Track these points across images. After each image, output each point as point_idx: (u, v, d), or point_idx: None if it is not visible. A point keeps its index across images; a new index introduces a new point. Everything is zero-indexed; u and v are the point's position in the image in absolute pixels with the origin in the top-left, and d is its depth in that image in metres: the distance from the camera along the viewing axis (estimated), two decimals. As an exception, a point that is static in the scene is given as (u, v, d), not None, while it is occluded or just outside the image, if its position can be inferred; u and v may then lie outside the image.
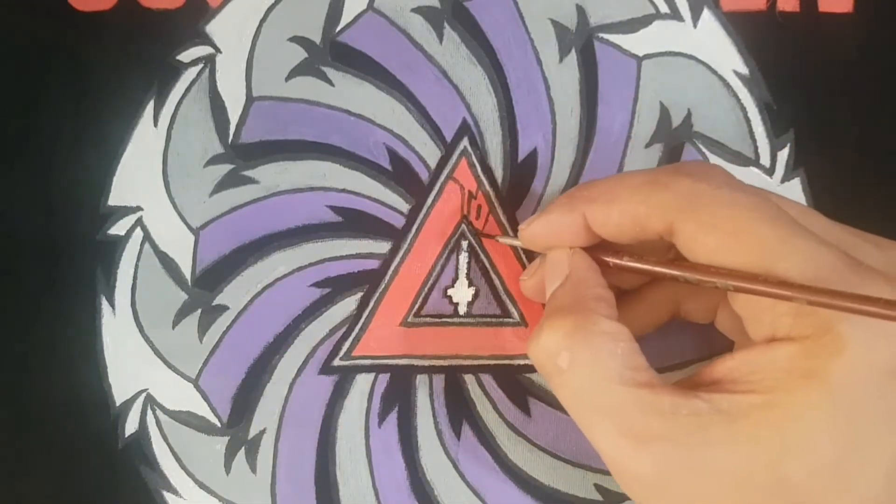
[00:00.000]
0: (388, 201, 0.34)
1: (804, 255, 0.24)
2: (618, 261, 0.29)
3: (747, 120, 0.35)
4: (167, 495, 0.34)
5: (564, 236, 0.29)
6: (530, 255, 0.34)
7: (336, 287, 0.34)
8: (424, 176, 0.35)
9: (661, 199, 0.27)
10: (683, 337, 0.33)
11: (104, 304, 0.34)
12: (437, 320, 0.34)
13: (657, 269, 0.28)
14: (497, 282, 0.34)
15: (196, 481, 0.34)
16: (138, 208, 0.34)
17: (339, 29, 0.35)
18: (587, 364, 0.26)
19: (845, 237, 0.27)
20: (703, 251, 0.26)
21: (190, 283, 0.34)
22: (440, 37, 0.35)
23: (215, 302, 0.34)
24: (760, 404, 0.24)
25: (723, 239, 0.25)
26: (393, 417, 0.34)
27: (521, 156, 0.35)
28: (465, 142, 0.34)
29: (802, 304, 0.24)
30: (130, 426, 0.34)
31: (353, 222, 0.34)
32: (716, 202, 0.26)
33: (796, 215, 0.26)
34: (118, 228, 0.34)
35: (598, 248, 0.29)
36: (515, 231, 0.34)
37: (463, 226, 0.34)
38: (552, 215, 0.29)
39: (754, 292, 0.25)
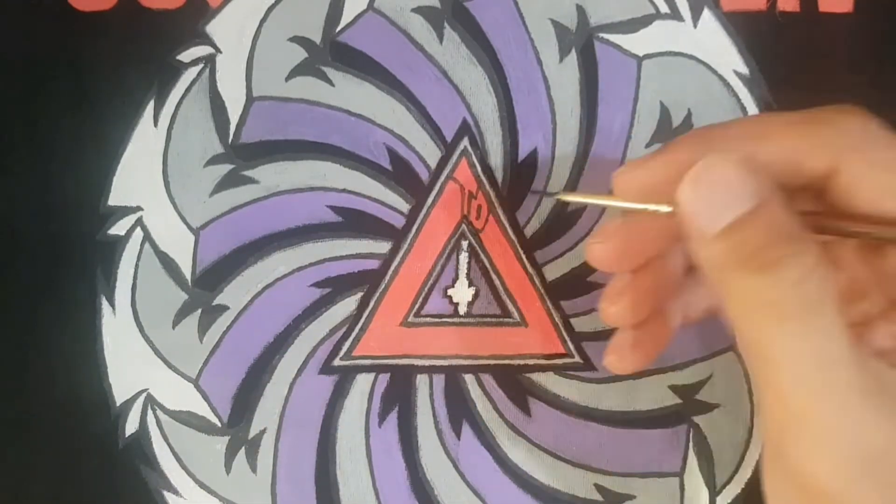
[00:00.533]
0: (388, 201, 0.34)
1: None
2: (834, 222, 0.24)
3: (747, 120, 0.35)
4: (167, 495, 0.34)
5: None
6: (531, 255, 0.34)
7: (336, 287, 0.34)
8: (424, 176, 0.35)
9: (827, 135, 0.24)
10: (683, 337, 0.33)
11: (104, 304, 0.34)
12: (437, 320, 0.34)
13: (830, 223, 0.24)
14: (497, 282, 0.34)
15: (196, 481, 0.34)
16: (138, 208, 0.34)
17: (339, 29, 0.35)
18: (826, 310, 0.21)
19: None
20: (869, 193, 0.23)
21: (190, 283, 0.34)
22: (440, 37, 0.35)
23: (215, 302, 0.34)
24: None
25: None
26: (393, 417, 0.34)
27: (522, 156, 0.35)
28: (465, 142, 0.34)
29: None
30: (131, 426, 0.34)
31: (354, 222, 0.34)
32: (890, 142, 0.24)
33: None
34: (118, 228, 0.34)
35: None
36: (514, 230, 0.34)
37: (463, 226, 0.34)
38: (676, 154, 0.25)
39: None
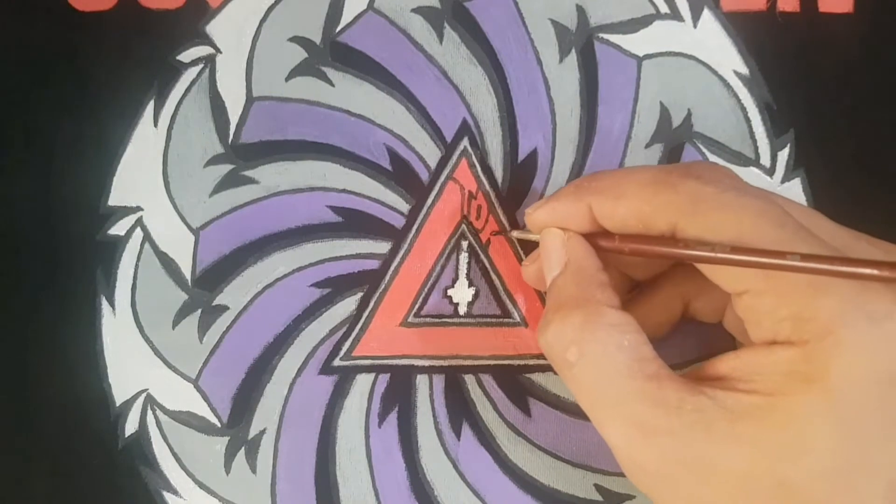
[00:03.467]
0: (388, 201, 0.34)
1: None
2: (609, 243, 0.29)
3: (747, 120, 0.35)
4: (167, 495, 0.34)
5: (570, 224, 0.29)
6: (528, 250, 0.34)
7: (336, 287, 0.34)
8: (424, 176, 0.35)
9: (667, 200, 0.26)
10: (684, 336, 0.33)
11: (104, 304, 0.34)
12: (437, 320, 0.34)
13: (650, 248, 0.27)
14: (497, 282, 0.34)
15: (196, 481, 0.34)
16: (138, 208, 0.34)
17: (339, 29, 0.35)
18: (595, 358, 0.26)
19: (849, 242, 0.27)
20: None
21: (190, 284, 0.34)
22: (440, 37, 0.35)
23: (215, 302, 0.34)
24: (762, 405, 0.24)
25: (725, 244, 0.25)
26: (393, 417, 0.34)
27: (522, 156, 0.35)
28: (465, 142, 0.35)
29: (793, 268, 0.24)
30: (130, 426, 0.34)
31: (354, 222, 0.34)
32: (721, 206, 0.26)
33: (801, 218, 0.26)
34: (118, 228, 0.34)
35: (594, 233, 0.29)
36: (514, 227, 0.34)
37: (463, 226, 0.34)
38: (559, 203, 0.29)
39: (744, 264, 0.25)
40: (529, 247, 0.34)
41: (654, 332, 0.31)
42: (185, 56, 0.34)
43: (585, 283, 0.28)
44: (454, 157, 0.35)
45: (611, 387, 0.26)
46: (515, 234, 0.33)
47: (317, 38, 0.35)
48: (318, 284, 0.34)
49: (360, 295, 0.34)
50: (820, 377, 0.24)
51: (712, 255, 0.25)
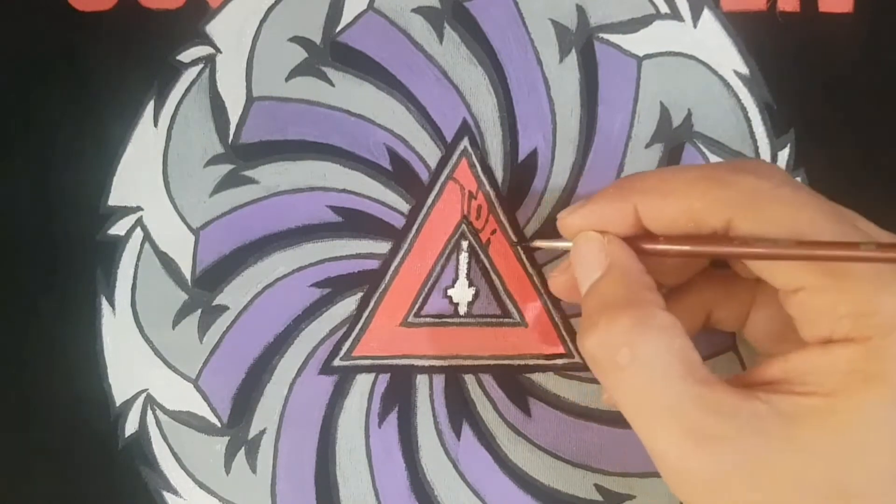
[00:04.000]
0: (388, 201, 0.34)
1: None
2: (654, 245, 0.27)
3: (747, 120, 0.35)
4: (167, 495, 0.34)
5: (611, 227, 0.28)
6: (531, 258, 0.34)
7: (336, 287, 0.34)
8: (424, 176, 0.35)
9: (721, 195, 0.26)
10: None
11: (104, 304, 0.34)
12: (437, 320, 0.34)
13: (696, 248, 0.26)
14: (497, 282, 0.34)
15: (196, 481, 0.34)
16: (138, 208, 0.34)
17: (339, 29, 0.35)
18: (648, 361, 0.25)
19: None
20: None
21: (190, 283, 0.34)
22: (440, 37, 0.35)
23: (215, 302, 0.34)
24: (821, 408, 0.23)
25: (784, 238, 0.25)
26: (393, 417, 0.34)
27: (522, 156, 0.35)
28: (465, 142, 0.34)
29: (867, 258, 0.23)
30: (130, 426, 0.34)
31: (354, 222, 0.34)
32: (778, 201, 0.25)
33: (850, 218, 0.26)
34: (118, 228, 0.34)
35: (633, 237, 0.28)
36: (517, 231, 0.34)
37: (463, 226, 0.34)
38: (600, 205, 0.28)
39: (814, 257, 0.24)
40: (533, 258, 0.34)
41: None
42: (185, 56, 0.34)
43: (633, 284, 0.27)
44: (454, 157, 0.35)
45: (664, 391, 0.25)
46: (539, 243, 0.32)
47: (317, 38, 0.35)
48: (318, 284, 0.34)
49: (360, 295, 0.34)
50: (883, 375, 0.23)
51: (777, 251, 0.24)
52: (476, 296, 0.34)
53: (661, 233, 0.27)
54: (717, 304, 0.30)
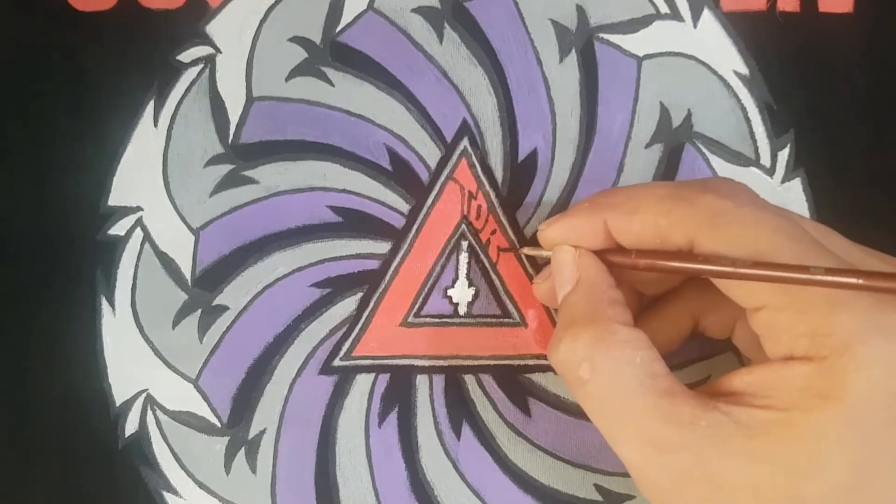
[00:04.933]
0: (388, 201, 0.34)
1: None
2: (623, 259, 0.29)
3: (747, 120, 0.35)
4: (167, 495, 0.34)
5: (584, 240, 0.29)
6: (531, 259, 0.34)
7: (336, 287, 0.34)
8: (424, 176, 0.35)
9: (684, 214, 0.27)
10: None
11: (104, 304, 0.34)
12: (437, 320, 0.34)
13: (668, 263, 0.27)
14: (497, 282, 0.34)
15: (196, 481, 0.34)
16: (138, 208, 0.34)
17: (339, 29, 0.35)
18: (607, 375, 0.26)
19: (862, 258, 0.27)
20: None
21: (190, 284, 0.34)
22: (440, 37, 0.35)
23: (215, 302, 0.34)
24: (778, 421, 0.24)
25: (742, 259, 0.25)
26: (393, 417, 0.34)
27: (521, 156, 0.35)
28: (465, 142, 0.35)
29: (816, 282, 0.24)
30: (130, 426, 0.34)
31: (353, 222, 0.34)
32: (738, 221, 0.26)
33: (814, 234, 0.26)
34: (118, 228, 0.34)
35: (606, 250, 0.29)
36: (514, 230, 0.34)
37: (463, 226, 0.34)
38: (574, 219, 0.29)
39: (766, 279, 0.25)
40: (534, 260, 0.34)
41: (664, 348, 0.31)
42: (185, 56, 0.34)
43: (597, 300, 0.28)
44: (454, 157, 0.35)
45: (623, 403, 0.26)
46: (526, 250, 0.33)
47: (317, 38, 0.35)
48: (318, 284, 0.34)
49: (360, 295, 0.34)
50: (836, 393, 0.23)
51: (733, 269, 0.25)
52: (476, 296, 0.34)
53: (631, 247, 0.28)
54: (703, 312, 0.31)
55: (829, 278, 0.23)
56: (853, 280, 0.23)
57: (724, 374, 0.27)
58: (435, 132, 0.35)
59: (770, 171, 0.35)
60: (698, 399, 0.25)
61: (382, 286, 0.34)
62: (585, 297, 0.28)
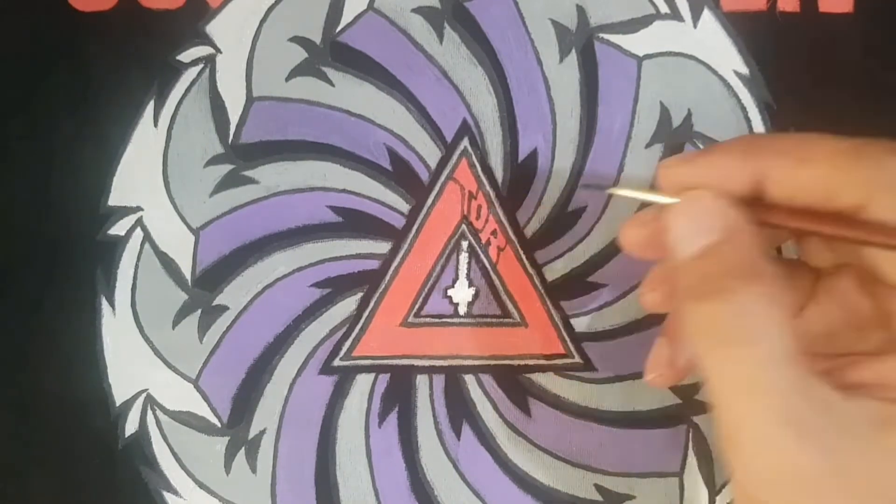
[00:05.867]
0: (388, 201, 0.34)
1: None
2: (770, 217, 0.25)
3: (747, 120, 0.35)
4: (167, 495, 0.34)
5: (729, 186, 0.25)
6: (531, 258, 0.34)
7: (336, 287, 0.34)
8: (424, 176, 0.35)
9: (866, 174, 0.24)
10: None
11: (104, 304, 0.34)
12: (437, 320, 0.34)
13: (836, 230, 0.24)
14: (497, 282, 0.34)
15: (196, 481, 0.34)
16: (138, 208, 0.34)
17: (339, 29, 0.35)
18: (768, 339, 0.22)
19: None
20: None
21: (190, 284, 0.34)
22: (440, 37, 0.35)
23: (215, 302, 0.34)
24: None
25: None
26: (393, 417, 0.34)
27: (522, 156, 0.35)
28: (465, 142, 0.34)
29: None
30: (130, 426, 0.34)
31: (354, 222, 0.34)
32: None
33: None
34: (118, 228, 0.34)
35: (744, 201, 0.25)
36: (514, 230, 0.34)
37: (463, 226, 0.34)
38: (721, 158, 0.25)
39: None
40: (532, 246, 0.34)
41: None
42: (185, 56, 0.34)
43: (758, 254, 0.24)
44: (454, 157, 0.35)
45: (774, 375, 0.22)
46: (627, 192, 0.28)
47: (317, 38, 0.35)
48: (318, 284, 0.34)
49: (360, 295, 0.34)
50: None
51: None
52: (476, 296, 0.34)
53: (783, 202, 0.25)
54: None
55: None
56: None
57: (839, 364, 0.25)
58: (435, 132, 0.35)
59: (770, 171, 0.35)
60: (832, 385, 0.23)
61: (382, 286, 0.34)
62: (746, 248, 0.24)
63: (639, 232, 0.27)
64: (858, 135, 0.35)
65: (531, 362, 0.34)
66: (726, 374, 0.23)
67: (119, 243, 0.34)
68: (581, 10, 0.35)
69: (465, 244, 0.34)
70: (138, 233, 0.34)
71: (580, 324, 0.34)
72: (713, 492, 0.34)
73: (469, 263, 0.34)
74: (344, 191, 0.34)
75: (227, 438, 0.34)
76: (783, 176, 0.25)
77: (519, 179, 0.35)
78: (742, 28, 0.35)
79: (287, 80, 0.34)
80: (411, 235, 0.34)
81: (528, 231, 0.34)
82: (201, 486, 0.34)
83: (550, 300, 0.34)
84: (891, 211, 0.23)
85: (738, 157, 0.25)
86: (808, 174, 0.24)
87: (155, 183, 0.34)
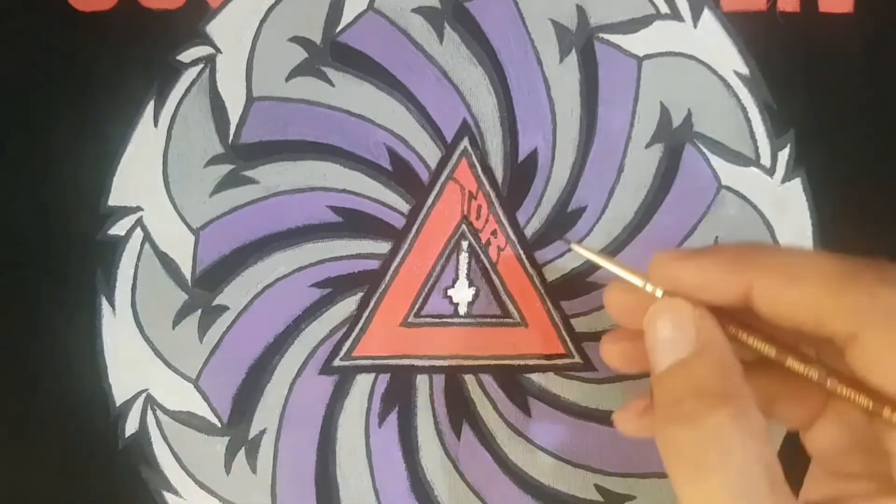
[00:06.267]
0: (388, 201, 0.34)
1: None
2: (749, 337, 0.24)
3: (748, 120, 0.35)
4: (167, 495, 0.34)
5: (713, 296, 0.24)
6: (531, 258, 0.34)
7: (336, 287, 0.34)
8: (424, 176, 0.35)
9: (857, 304, 0.22)
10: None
11: (104, 304, 0.34)
12: (437, 320, 0.34)
13: (801, 365, 0.24)
14: (497, 282, 0.34)
15: (196, 481, 0.34)
16: (138, 208, 0.34)
17: (339, 29, 0.35)
18: (740, 469, 0.22)
19: None
20: (882, 374, 0.22)
21: (190, 284, 0.34)
22: (440, 37, 0.35)
23: (215, 302, 0.34)
24: None
25: None
26: (393, 417, 0.34)
27: (522, 156, 0.35)
28: (465, 142, 0.34)
29: None
30: (130, 426, 0.34)
31: (354, 222, 0.34)
32: None
33: None
34: (118, 228, 0.34)
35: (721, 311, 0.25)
36: (514, 230, 0.34)
37: (463, 226, 0.34)
38: (709, 267, 0.25)
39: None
40: (532, 246, 0.34)
41: None
42: (185, 56, 0.34)
43: (730, 372, 0.23)
44: (454, 157, 0.35)
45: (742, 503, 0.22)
46: (614, 267, 0.27)
47: (317, 38, 0.35)
48: (318, 284, 0.34)
49: (360, 295, 0.34)
50: None
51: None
52: (476, 296, 0.34)
53: (768, 319, 0.24)
54: (780, 397, 0.26)
55: None
56: None
57: (830, 497, 0.25)
58: (435, 132, 0.35)
59: (770, 171, 0.35)
60: None
61: (382, 286, 0.34)
62: (715, 366, 0.24)
63: (619, 345, 0.28)
64: (858, 134, 0.35)
65: (531, 362, 0.34)
66: (692, 498, 0.23)
67: (119, 243, 0.34)
68: (581, 10, 0.35)
69: (465, 244, 0.34)
70: (138, 233, 0.34)
71: (580, 324, 0.34)
72: (713, 492, 0.34)
73: (469, 263, 0.34)
74: (344, 191, 0.34)
75: (227, 438, 0.34)
76: (771, 293, 0.24)
77: (519, 179, 0.35)
78: (742, 28, 0.35)
79: (287, 80, 0.34)
80: (411, 235, 0.34)
81: (528, 231, 0.34)
82: (201, 486, 0.34)
83: (550, 300, 0.34)
84: (880, 346, 0.22)
85: (728, 267, 0.24)
86: (797, 295, 0.23)
87: (155, 183, 0.34)
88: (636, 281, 0.26)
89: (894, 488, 0.23)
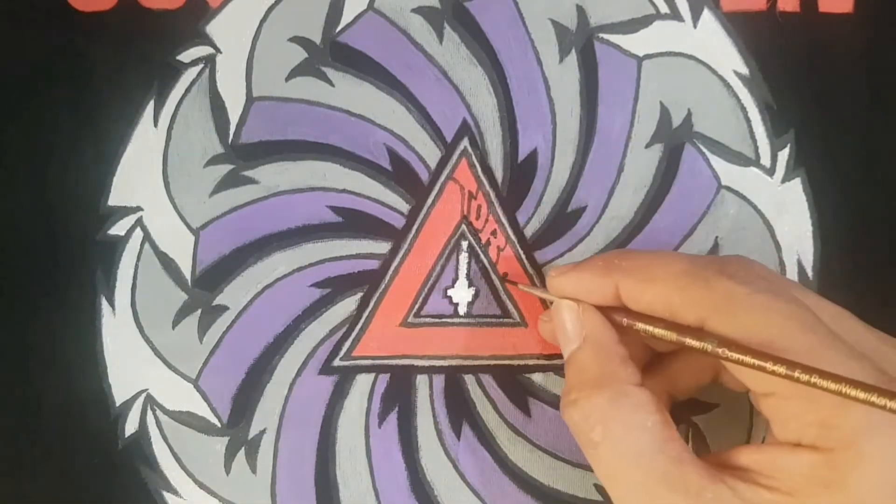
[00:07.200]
0: (388, 201, 0.34)
1: (832, 369, 0.24)
2: (631, 322, 0.29)
3: (747, 120, 0.35)
4: (167, 495, 0.34)
5: (592, 297, 0.29)
6: (530, 255, 0.34)
7: (336, 287, 0.34)
8: (424, 176, 0.35)
9: (699, 295, 0.27)
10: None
11: (104, 304, 0.34)
12: (437, 320, 0.34)
13: (668, 334, 0.27)
14: (497, 282, 0.34)
15: (196, 481, 0.34)
16: (138, 208, 0.34)
17: (339, 29, 0.35)
18: (619, 439, 0.27)
19: (879, 346, 0.28)
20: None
21: (190, 284, 0.34)
22: (440, 37, 0.35)
23: (215, 302, 0.34)
24: (780, 503, 0.25)
25: (753, 346, 0.26)
26: (393, 417, 0.34)
27: (521, 156, 0.35)
28: (465, 142, 0.35)
29: (798, 381, 0.24)
30: (130, 426, 0.34)
31: (353, 222, 0.34)
32: (751, 307, 0.26)
33: (830, 320, 0.26)
34: (118, 228, 0.34)
35: (614, 307, 0.29)
36: (514, 230, 0.34)
37: (463, 226, 0.34)
38: (585, 274, 0.30)
39: (757, 368, 0.25)
40: (532, 246, 0.34)
41: (681, 394, 0.31)
42: (185, 56, 0.34)
43: (606, 360, 0.28)
44: (454, 157, 0.35)
45: (634, 469, 0.26)
46: (526, 289, 0.33)
47: (317, 38, 0.35)
48: (318, 284, 0.34)
49: (360, 295, 0.34)
50: (840, 484, 0.24)
51: (741, 356, 0.25)
52: (476, 296, 0.34)
53: (640, 312, 0.28)
54: (721, 367, 0.31)
55: (825, 383, 0.24)
56: (849, 391, 0.24)
57: (728, 450, 0.27)
58: (435, 132, 0.35)
59: (770, 171, 0.35)
60: (706, 469, 0.26)
61: (382, 286, 0.34)
62: (594, 356, 0.29)
63: (546, 325, 0.32)
64: (858, 134, 0.36)
65: (531, 362, 0.34)
66: (596, 471, 0.28)
67: (119, 243, 0.34)
68: (581, 11, 0.35)
69: (464, 244, 0.34)
70: (138, 233, 0.34)
71: (580, 324, 0.34)
72: (713, 492, 0.34)
73: (469, 263, 0.34)
74: (344, 191, 0.34)
75: (226, 438, 0.34)
76: (633, 293, 0.28)
77: (519, 179, 0.35)
78: (742, 28, 0.35)
79: (287, 80, 0.34)
80: (411, 235, 0.34)
81: (528, 231, 0.34)
82: (201, 486, 0.34)
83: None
84: (724, 328, 0.26)
85: (598, 274, 0.29)
86: (650, 295, 0.28)
87: (155, 183, 0.34)
88: (544, 294, 0.32)
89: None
